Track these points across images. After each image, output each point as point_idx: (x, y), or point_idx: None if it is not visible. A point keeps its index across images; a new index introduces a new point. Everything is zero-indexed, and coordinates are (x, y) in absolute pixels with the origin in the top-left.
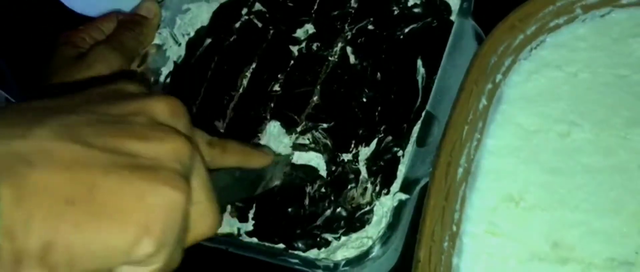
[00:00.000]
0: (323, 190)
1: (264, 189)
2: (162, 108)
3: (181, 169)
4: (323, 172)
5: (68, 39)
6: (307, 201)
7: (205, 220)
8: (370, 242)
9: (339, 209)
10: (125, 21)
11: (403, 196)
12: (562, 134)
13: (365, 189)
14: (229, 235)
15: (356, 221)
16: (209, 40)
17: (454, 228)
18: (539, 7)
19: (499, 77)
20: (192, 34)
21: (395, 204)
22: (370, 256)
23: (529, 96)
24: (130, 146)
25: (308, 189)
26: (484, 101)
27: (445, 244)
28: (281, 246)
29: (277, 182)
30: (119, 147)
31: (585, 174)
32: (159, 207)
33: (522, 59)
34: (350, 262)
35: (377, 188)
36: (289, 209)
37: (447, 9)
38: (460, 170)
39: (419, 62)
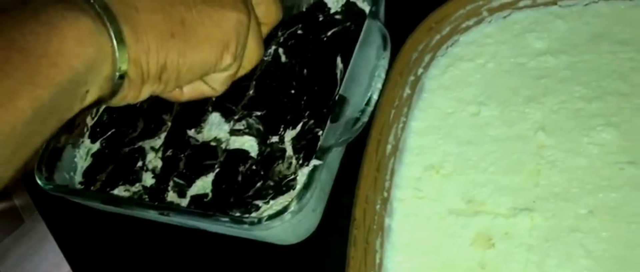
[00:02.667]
0: (254, 167)
1: None
2: None
3: None
4: (255, 154)
5: None
6: (240, 178)
7: (270, 11)
8: None
9: (268, 182)
10: None
11: (317, 162)
12: (473, 113)
13: (290, 163)
14: (170, 203)
15: (282, 187)
16: None
17: (385, 194)
18: (452, 10)
19: (420, 70)
20: None
21: (310, 169)
22: (288, 211)
23: (446, 85)
24: None
25: (241, 168)
26: (407, 90)
27: (378, 206)
28: None
29: None
30: None
31: (492, 143)
32: (232, 28)
33: (439, 56)
34: (271, 216)
35: (300, 162)
36: (223, 186)
37: (363, 15)
38: (389, 146)
39: (338, 59)
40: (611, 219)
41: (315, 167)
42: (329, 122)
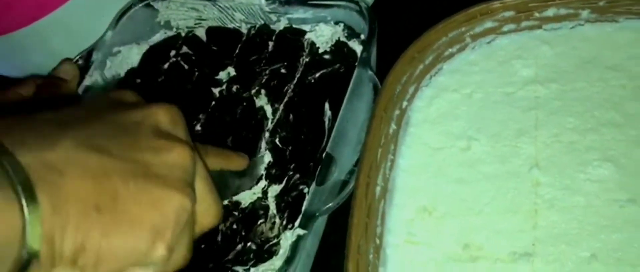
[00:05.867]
0: (234, 226)
1: (237, 191)
2: (163, 116)
3: (186, 175)
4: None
5: None
6: (219, 237)
7: (210, 212)
8: None
9: (249, 244)
10: (44, 85)
11: (301, 232)
12: (463, 148)
13: (274, 223)
14: None
15: (264, 253)
16: (138, 81)
17: (377, 241)
18: (434, 38)
19: (405, 103)
20: (122, 74)
21: (294, 239)
22: None
23: (432, 118)
24: (143, 155)
25: (220, 226)
26: (393, 126)
27: (371, 256)
28: None
29: (249, 185)
30: (134, 156)
31: (485, 181)
32: (171, 213)
33: (424, 86)
34: None
35: (284, 222)
36: (202, 245)
37: (354, 56)
38: (378, 188)
39: (327, 105)
40: (615, 263)
41: (299, 237)
42: (314, 184)
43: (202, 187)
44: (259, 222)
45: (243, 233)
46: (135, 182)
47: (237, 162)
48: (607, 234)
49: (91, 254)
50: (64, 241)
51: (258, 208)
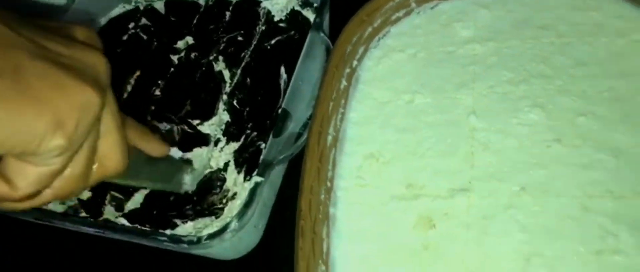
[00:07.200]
0: (188, 194)
1: (173, 189)
2: (82, 32)
3: (99, 78)
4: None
5: None
6: (172, 198)
7: (113, 155)
8: None
9: (208, 196)
10: None
11: (258, 179)
12: (407, 101)
13: (233, 177)
14: (107, 220)
15: (223, 205)
16: None
17: (329, 184)
18: (382, 3)
19: (355, 62)
20: None
21: (252, 186)
22: (228, 230)
23: (380, 76)
24: (56, 46)
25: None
26: (344, 82)
27: (322, 196)
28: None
29: (188, 189)
30: (45, 43)
31: (427, 129)
32: (77, 103)
33: (373, 48)
34: (211, 235)
35: (242, 175)
36: (154, 203)
37: (308, 24)
38: (330, 138)
39: (282, 69)
40: (541, 194)
41: (256, 184)
42: (271, 137)
43: (110, 120)
44: (211, 193)
45: (195, 198)
46: (43, 62)
47: (155, 147)
48: (536, 170)
49: None
50: None
51: (214, 179)
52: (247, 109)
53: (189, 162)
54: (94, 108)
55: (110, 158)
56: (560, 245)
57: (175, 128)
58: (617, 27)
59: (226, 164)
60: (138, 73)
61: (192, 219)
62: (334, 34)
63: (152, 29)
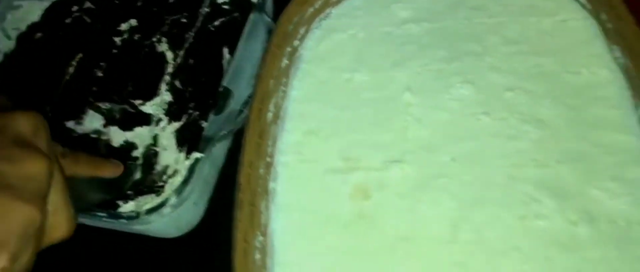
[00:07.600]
0: (136, 159)
1: (119, 195)
2: (25, 125)
3: (40, 188)
4: (140, 148)
5: None
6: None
7: (62, 226)
8: None
9: (149, 174)
10: None
11: (198, 154)
12: (347, 79)
13: (174, 156)
14: None
15: (163, 182)
16: (39, 34)
17: (268, 159)
18: None
19: (296, 42)
20: (23, 28)
21: (192, 162)
22: (167, 205)
23: (321, 55)
24: None
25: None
26: (285, 61)
27: (261, 170)
28: None
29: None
30: None
31: (365, 106)
32: (16, 224)
33: (314, 28)
34: (150, 210)
35: (184, 154)
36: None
37: (250, 5)
38: (270, 114)
39: (225, 50)
40: (470, 164)
41: (196, 160)
42: (212, 114)
43: (57, 200)
44: (160, 155)
45: (144, 164)
46: None
47: (109, 170)
48: (466, 142)
49: None
50: None
51: (155, 159)
52: (190, 89)
53: (134, 161)
54: (34, 223)
55: (58, 229)
56: (488, 211)
57: (116, 107)
58: (545, 8)
59: (168, 143)
60: (80, 55)
61: (133, 199)
62: (278, 16)
63: (95, 12)
